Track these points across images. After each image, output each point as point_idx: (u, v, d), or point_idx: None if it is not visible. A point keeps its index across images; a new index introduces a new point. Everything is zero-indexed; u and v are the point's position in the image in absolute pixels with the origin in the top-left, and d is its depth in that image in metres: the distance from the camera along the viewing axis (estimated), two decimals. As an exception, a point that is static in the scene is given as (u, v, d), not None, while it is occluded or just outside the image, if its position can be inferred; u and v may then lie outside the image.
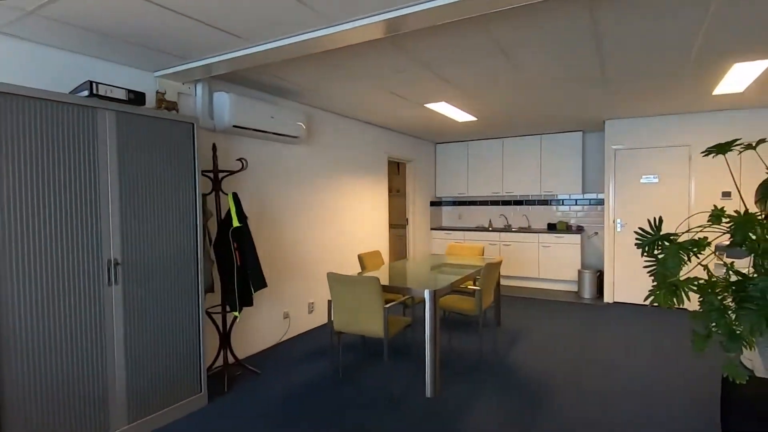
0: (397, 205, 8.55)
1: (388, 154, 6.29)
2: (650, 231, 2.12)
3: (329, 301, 3.17)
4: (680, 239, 2.20)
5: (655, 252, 2.21)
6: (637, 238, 2.17)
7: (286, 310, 4.30)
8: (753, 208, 5.19)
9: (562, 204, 7.13)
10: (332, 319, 3.18)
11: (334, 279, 3.05)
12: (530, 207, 7.39)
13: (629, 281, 5.78)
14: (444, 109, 4.81)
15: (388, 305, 3.00)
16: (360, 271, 4.07)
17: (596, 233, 6.88)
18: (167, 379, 2.75)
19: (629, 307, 5.58)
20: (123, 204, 2.51)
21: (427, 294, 3.01)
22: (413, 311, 3.92)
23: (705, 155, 2.02)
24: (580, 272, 6.29)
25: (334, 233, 5.02)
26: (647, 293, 2.26)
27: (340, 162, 5.16)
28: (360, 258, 4.18)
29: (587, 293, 6.22)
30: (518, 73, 3.54)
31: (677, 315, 5.11)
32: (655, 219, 2.10)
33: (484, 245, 5.30)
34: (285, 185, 4.31)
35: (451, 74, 3.56)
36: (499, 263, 3.75)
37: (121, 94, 2.51)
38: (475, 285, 4.03)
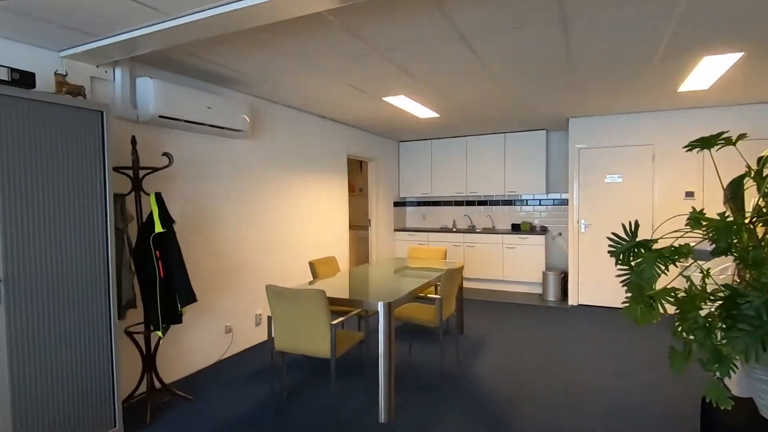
0: (360, 205, 8.20)
1: (348, 151, 5.92)
2: (625, 237, 1.87)
3: (269, 317, 2.79)
4: (655, 245, 1.96)
5: (631, 260, 1.96)
6: (610, 245, 1.91)
7: (228, 324, 3.86)
8: (710, 209, 5.08)
9: (526, 204, 6.98)
10: (273, 336, 2.79)
11: (273, 292, 2.66)
12: (494, 207, 7.22)
13: (594, 283, 5.66)
14: (404, 103, 4.50)
15: (337, 321, 2.64)
16: (312, 279, 3.70)
17: (560, 234, 6.77)
18: (70, 415, 2.29)
19: (594, 311, 5.45)
20: (5, 208, 2.04)
21: (380, 307, 2.67)
22: (368, 323, 3.58)
23: (688, 150, 1.79)
24: (544, 274, 6.14)
25: (285, 237, 4.61)
26: (622, 305, 2.02)
27: (293, 159, 4.76)
28: (311, 265, 3.80)
29: (552, 295, 6.07)
30: (480, 63, 3.26)
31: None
32: (630, 223, 1.85)
33: (446, 247, 5.03)
34: (227, 184, 3.87)
35: (410, 64, 3.24)
36: (461, 269, 3.47)
37: (0, 74, 2.04)
38: (436, 292, 3.74)
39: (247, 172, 4.10)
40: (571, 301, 5.79)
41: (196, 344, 3.56)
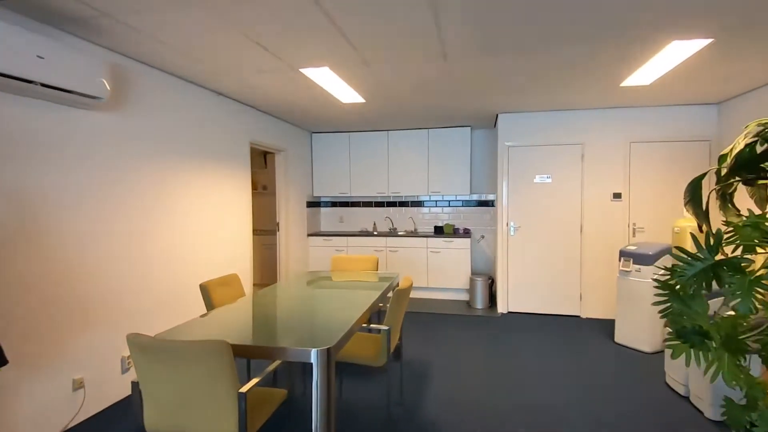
0: (265, 206, 7.13)
1: (250, 139, 4.87)
2: (699, 253, 1.28)
3: (134, 384, 1.76)
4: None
5: (675, 284, 1.39)
6: (675, 266, 1.32)
7: (78, 377, 2.66)
8: (636, 211, 4.93)
9: (449, 205, 6.56)
10: (143, 412, 1.77)
11: (138, 346, 1.65)
12: (416, 209, 6.68)
13: (524, 289, 5.36)
14: (326, 79, 3.65)
15: (248, 387, 1.72)
16: (204, 312, 2.68)
17: (483, 237, 6.45)
18: None
19: (526, 318, 5.13)
20: None
21: (314, 356, 1.82)
22: (290, 369, 2.68)
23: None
24: (471, 280, 5.72)
25: (165, 248, 3.47)
26: (666, 346, 1.45)
27: (177, 144, 3.62)
28: (204, 289, 2.75)
29: (479, 303, 5.68)
30: (437, 28, 2.57)
31: (576, 324, 4.79)
32: (709, 234, 1.26)
33: (377, 256, 4.28)
34: (73, 174, 2.67)
35: (348, 17, 2.42)
36: (410, 289, 2.75)
37: None
38: (376, 320, 2.96)
39: (107, 158, 2.92)
40: (501, 308, 5.44)
41: (21, 417, 2.33)
